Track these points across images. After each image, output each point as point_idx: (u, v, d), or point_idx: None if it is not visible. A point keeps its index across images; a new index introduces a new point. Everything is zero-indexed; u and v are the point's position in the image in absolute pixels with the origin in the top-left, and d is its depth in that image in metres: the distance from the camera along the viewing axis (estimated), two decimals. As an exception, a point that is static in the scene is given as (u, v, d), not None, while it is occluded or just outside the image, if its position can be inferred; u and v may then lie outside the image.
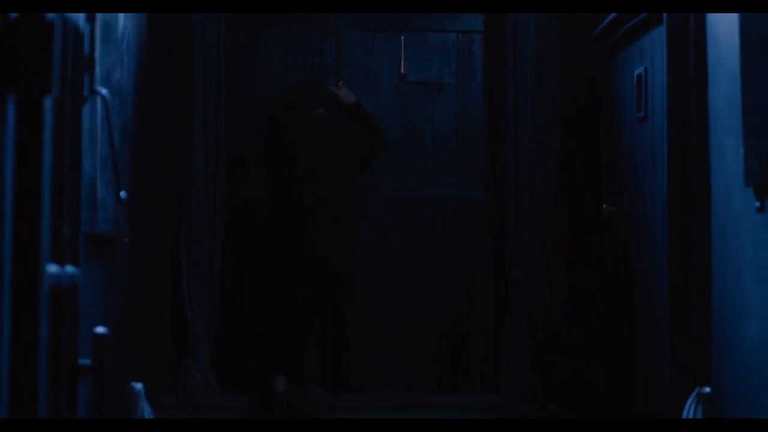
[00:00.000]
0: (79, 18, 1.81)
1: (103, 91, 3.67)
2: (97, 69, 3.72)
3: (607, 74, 5.08)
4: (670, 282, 4.06)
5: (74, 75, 1.80)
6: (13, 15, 1.41)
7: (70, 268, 1.78)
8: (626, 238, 4.79)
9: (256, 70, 5.45)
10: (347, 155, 5.06)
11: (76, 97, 1.85)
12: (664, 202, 4.12)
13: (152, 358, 5.05)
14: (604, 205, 5.00)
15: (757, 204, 3.38)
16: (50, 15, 1.45)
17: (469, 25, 5.51)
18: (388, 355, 5.40)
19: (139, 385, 3.88)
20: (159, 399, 4.68)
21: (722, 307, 3.77)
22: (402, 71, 5.49)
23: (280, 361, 4.99)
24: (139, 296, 4.95)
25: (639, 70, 4.56)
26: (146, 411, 3.86)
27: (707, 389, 3.62)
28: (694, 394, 3.63)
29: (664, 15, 4.08)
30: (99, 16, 3.76)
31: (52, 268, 1.61)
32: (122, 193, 3.88)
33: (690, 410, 3.61)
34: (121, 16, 4.24)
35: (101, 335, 1.84)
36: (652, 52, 4.41)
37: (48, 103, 1.51)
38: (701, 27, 3.93)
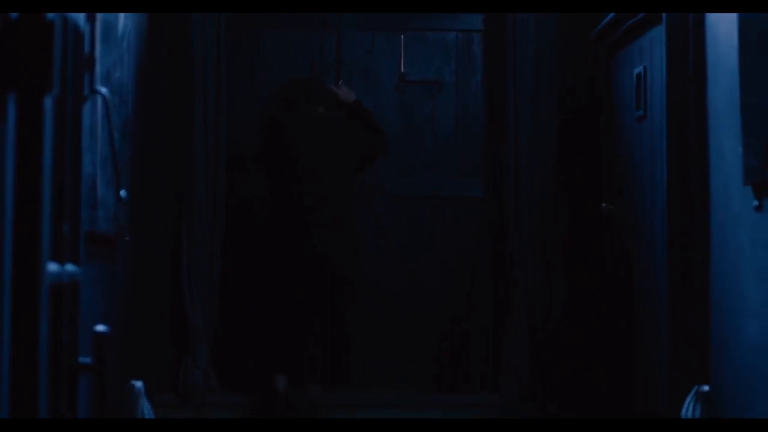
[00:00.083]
0: (80, 18, 1.82)
1: (104, 90, 3.68)
2: (98, 68, 3.73)
3: (607, 73, 5.08)
4: (669, 281, 4.06)
5: (74, 74, 1.80)
6: (13, 15, 1.41)
7: (70, 267, 1.78)
8: (626, 237, 4.80)
9: (256, 69, 5.46)
10: (347, 155, 5.06)
11: (77, 97, 1.86)
12: (663, 202, 4.12)
13: (152, 356, 5.05)
14: (603, 204, 5.00)
15: (756, 203, 3.39)
16: (50, 15, 1.45)
17: (469, 25, 5.51)
18: (388, 355, 5.40)
19: (139, 383, 3.89)
20: (159, 397, 4.69)
21: (721, 306, 3.77)
22: (402, 70, 5.49)
23: (281, 360, 5.00)
24: (140, 295, 4.95)
25: (638, 69, 4.56)
26: (146, 409, 3.87)
27: (706, 388, 3.62)
28: (692, 393, 3.64)
29: (664, 15, 4.09)
30: (99, 15, 3.76)
31: (53, 267, 1.62)
32: (122, 192, 3.89)
33: (688, 409, 3.62)
34: (121, 15, 4.25)
35: (102, 333, 1.85)
36: (651, 51, 4.41)
37: (48, 102, 1.51)
38: (700, 26, 3.94)
